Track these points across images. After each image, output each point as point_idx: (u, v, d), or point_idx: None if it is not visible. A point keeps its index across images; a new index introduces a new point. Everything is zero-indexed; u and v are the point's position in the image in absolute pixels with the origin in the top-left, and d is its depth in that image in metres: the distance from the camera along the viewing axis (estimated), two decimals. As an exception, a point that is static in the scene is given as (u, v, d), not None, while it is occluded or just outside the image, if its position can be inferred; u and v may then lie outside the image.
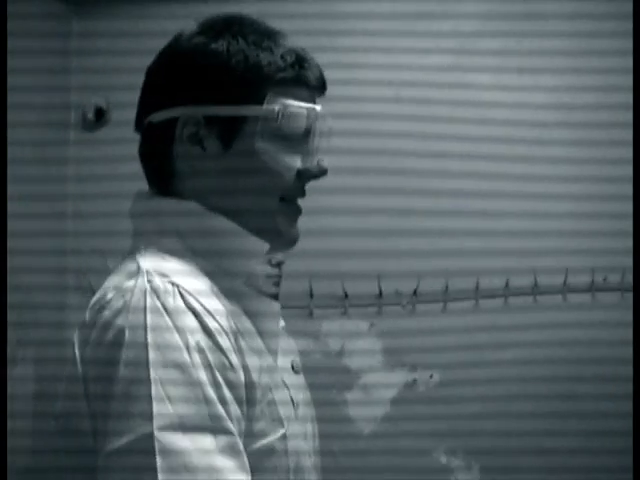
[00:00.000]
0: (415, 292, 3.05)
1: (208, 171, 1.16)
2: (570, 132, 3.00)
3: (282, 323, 2.50)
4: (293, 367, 2.45)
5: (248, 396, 1.09)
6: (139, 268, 1.09)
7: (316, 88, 1.22)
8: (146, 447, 0.96)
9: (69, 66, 2.99)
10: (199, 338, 1.02)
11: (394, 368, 3.08)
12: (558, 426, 2.94)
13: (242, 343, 1.10)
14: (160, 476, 0.94)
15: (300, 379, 2.50)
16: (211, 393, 1.01)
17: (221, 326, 1.06)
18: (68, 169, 2.93)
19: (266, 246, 1.21)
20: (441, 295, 3.04)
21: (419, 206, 2.97)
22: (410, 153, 3.00)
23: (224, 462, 0.99)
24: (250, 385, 1.10)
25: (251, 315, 1.19)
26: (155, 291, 1.04)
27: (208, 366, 1.02)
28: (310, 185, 2.96)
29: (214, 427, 0.99)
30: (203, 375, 1.01)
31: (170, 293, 1.04)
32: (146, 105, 1.23)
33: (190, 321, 1.03)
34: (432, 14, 3.05)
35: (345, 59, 3.02)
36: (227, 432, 1.01)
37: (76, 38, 3.02)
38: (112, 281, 1.11)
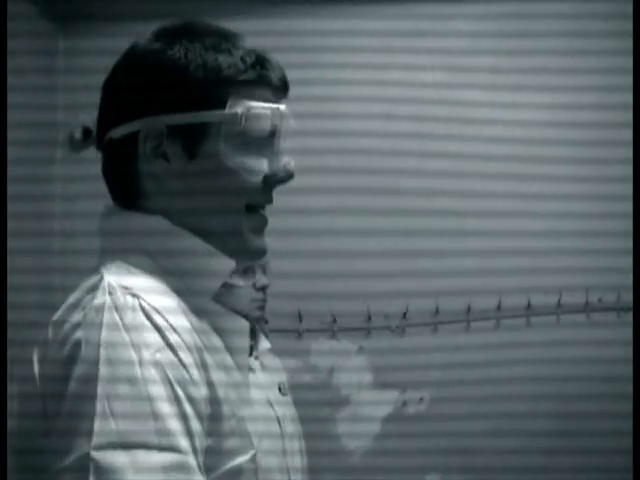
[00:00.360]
0: (405, 315, 3.06)
1: (174, 184, 1.13)
2: (567, 150, 3.01)
3: (267, 344, 2.48)
4: (280, 389, 2.44)
5: (214, 412, 1.04)
6: (101, 282, 1.06)
7: (279, 88, 1.19)
8: (84, 466, 0.93)
9: (56, 84, 2.98)
10: (158, 353, 0.99)
11: (383, 389, 3.07)
12: (552, 443, 2.92)
13: (208, 359, 1.06)
14: None
15: (287, 399, 2.45)
16: (162, 409, 0.97)
17: (183, 341, 1.02)
18: (55, 187, 2.93)
19: (231, 263, 1.17)
20: (430, 317, 3.04)
21: (409, 226, 2.98)
22: (401, 171, 3.02)
23: (167, 478, 0.95)
24: (215, 401, 1.05)
25: (219, 332, 1.14)
26: (115, 305, 1.01)
27: (165, 381, 0.98)
28: (302, 206, 2.87)
29: (160, 444, 0.96)
30: (156, 390, 0.97)
31: (130, 307, 1.01)
32: (105, 121, 1.18)
33: (149, 336, 1.00)
34: (423, 31, 3.07)
35: (331, 75, 3.05)
36: (175, 449, 0.97)
37: (63, 56, 3.01)
38: (74, 296, 1.08)
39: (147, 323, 1.00)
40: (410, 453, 2.94)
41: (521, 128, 3.04)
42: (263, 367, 2.42)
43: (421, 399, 3.05)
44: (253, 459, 1.11)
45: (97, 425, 0.94)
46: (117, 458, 0.93)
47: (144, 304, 1.02)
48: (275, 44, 2.96)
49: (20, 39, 2.70)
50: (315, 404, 2.91)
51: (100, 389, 0.95)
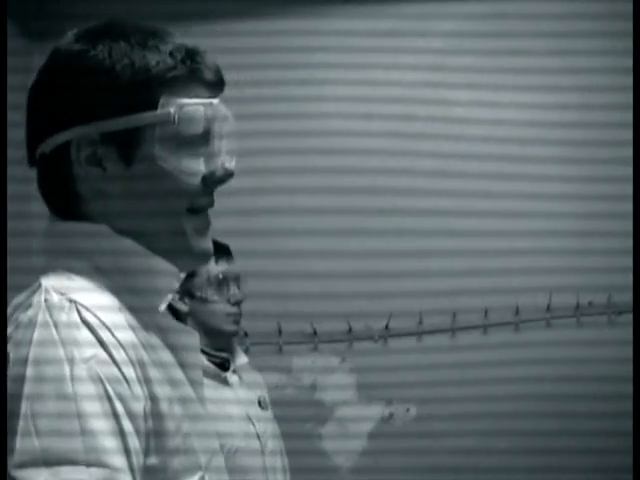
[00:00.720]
0: (387, 326, 3.02)
1: (112, 192, 1.06)
2: (555, 149, 2.99)
3: (245, 359, 2.43)
4: (260, 403, 2.39)
5: (157, 428, 0.99)
6: (39, 286, 1.02)
7: (214, 84, 1.11)
8: None
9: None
10: (93, 367, 0.94)
11: (369, 402, 3.04)
12: (540, 462, 2.88)
13: (151, 373, 1.01)
14: None
15: (267, 414, 2.40)
16: (91, 425, 0.92)
17: (121, 346, 0.98)
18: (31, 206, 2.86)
19: (174, 270, 1.11)
20: (415, 327, 3.01)
21: (392, 226, 2.98)
22: (382, 171, 3.00)
23: None
24: (158, 416, 1.00)
25: (167, 345, 1.10)
26: (49, 307, 0.97)
27: (101, 396, 0.93)
28: (280, 225, 2.83)
29: (88, 460, 0.90)
30: (86, 406, 0.92)
31: (65, 309, 0.97)
32: (34, 135, 1.12)
33: (86, 351, 0.94)
34: (408, 31, 3.05)
35: (318, 75, 3.04)
36: (104, 465, 0.91)
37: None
38: (14, 300, 1.05)
39: (84, 334, 0.96)
40: (396, 469, 2.91)
41: (510, 127, 3.00)
42: (242, 382, 2.41)
43: (407, 410, 3.02)
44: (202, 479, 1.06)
45: (19, 443, 0.90)
46: (38, 476, 0.89)
47: (79, 307, 0.98)
48: (263, 44, 3.00)
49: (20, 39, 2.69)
50: (298, 420, 2.89)
51: (24, 406, 0.91)
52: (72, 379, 0.92)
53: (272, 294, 2.90)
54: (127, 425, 0.94)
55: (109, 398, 0.94)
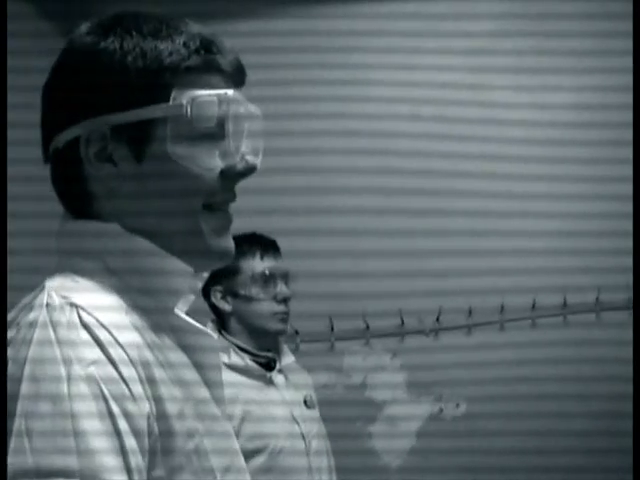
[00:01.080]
0: (438, 319, 3.01)
1: (123, 189, 1.03)
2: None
3: (292, 358, 2.37)
4: (306, 402, 2.32)
5: (162, 428, 0.96)
6: (41, 292, 0.99)
7: (231, 73, 1.06)
8: None
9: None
10: (91, 366, 0.91)
11: (418, 399, 3.02)
12: (589, 462, 2.82)
13: (156, 374, 0.97)
14: None
15: (313, 413, 2.33)
16: (84, 425, 0.88)
17: (126, 354, 0.94)
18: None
19: (188, 269, 1.07)
20: (464, 320, 3.00)
21: (439, 227, 2.97)
22: (430, 172, 2.99)
23: None
24: (163, 416, 0.96)
25: (184, 348, 1.06)
26: (49, 308, 0.95)
27: (99, 397, 0.90)
28: (340, 226, 2.85)
29: (82, 468, 0.87)
30: (80, 407, 0.89)
31: (65, 313, 0.94)
32: (48, 131, 1.07)
33: (85, 354, 0.92)
34: (444, 31, 3.04)
35: (360, 76, 3.03)
36: (99, 473, 0.88)
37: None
38: (11, 314, 1.01)
39: (83, 336, 0.93)
40: (444, 468, 2.90)
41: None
42: (288, 382, 2.35)
43: (457, 406, 3.00)
44: None
45: (12, 447, 0.87)
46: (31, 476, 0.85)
47: (81, 312, 0.95)
48: (301, 44, 2.98)
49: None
50: (347, 419, 2.87)
51: (20, 407, 0.88)
52: (69, 381, 0.89)
53: (324, 293, 2.85)
54: (124, 425, 0.91)
55: (105, 399, 0.90)
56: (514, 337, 3.00)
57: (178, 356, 1.05)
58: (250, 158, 1.06)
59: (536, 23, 3.04)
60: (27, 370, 0.90)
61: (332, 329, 3.05)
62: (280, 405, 2.28)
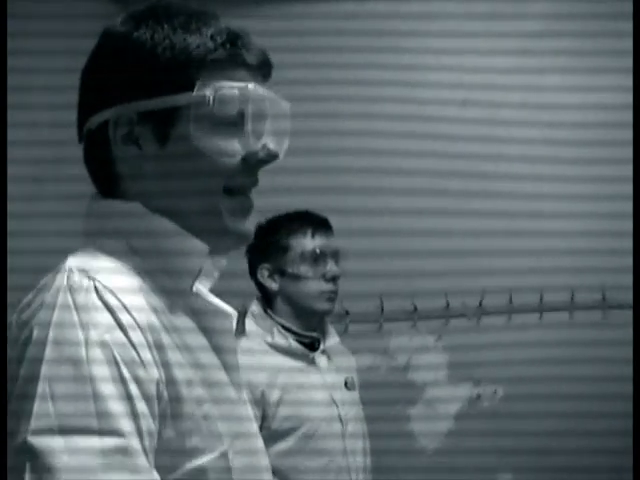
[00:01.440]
0: (480, 303, 3.02)
1: (147, 171, 1.09)
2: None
3: (336, 339, 2.37)
4: (347, 384, 2.31)
5: (172, 394, 1.01)
6: (64, 266, 1.04)
7: (256, 67, 1.11)
8: (22, 451, 0.92)
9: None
10: (107, 333, 0.96)
11: (458, 382, 3.03)
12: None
13: (170, 356, 1.02)
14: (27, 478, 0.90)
15: (353, 395, 2.34)
16: (104, 390, 0.94)
17: (136, 321, 0.99)
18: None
19: (205, 247, 1.12)
20: (505, 306, 3.01)
21: (485, 227, 2.94)
22: (472, 157, 3.01)
23: (106, 461, 0.92)
24: (172, 382, 1.01)
25: (203, 329, 1.12)
26: (70, 287, 0.99)
27: (111, 362, 0.95)
28: (388, 207, 2.88)
29: (101, 427, 0.92)
30: (99, 371, 0.94)
31: (84, 289, 0.99)
32: (82, 113, 1.14)
33: (101, 317, 0.97)
34: (497, 14, 3.02)
35: (406, 60, 3.03)
36: (116, 433, 0.93)
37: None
38: (41, 281, 1.06)
39: (100, 304, 0.98)
40: (482, 452, 2.89)
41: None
42: (330, 363, 2.32)
43: (495, 392, 3.00)
44: (224, 457, 1.07)
45: (36, 408, 0.92)
46: (54, 443, 0.91)
47: (99, 286, 0.99)
48: (359, 26, 3.05)
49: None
50: (387, 402, 2.84)
51: (43, 370, 0.93)
52: (87, 360, 0.94)
53: (373, 272, 2.85)
54: (135, 390, 0.95)
55: (122, 380, 0.95)
56: (551, 319, 3.02)
57: (196, 338, 1.10)
58: (272, 146, 1.11)
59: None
60: (51, 334, 0.95)
61: (382, 310, 3.04)
62: (320, 388, 2.26)
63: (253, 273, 2.30)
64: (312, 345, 2.29)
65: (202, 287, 1.17)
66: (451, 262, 2.96)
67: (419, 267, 2.94)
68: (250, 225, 1.14)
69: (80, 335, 0.95)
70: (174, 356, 1.02)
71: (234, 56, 1.09)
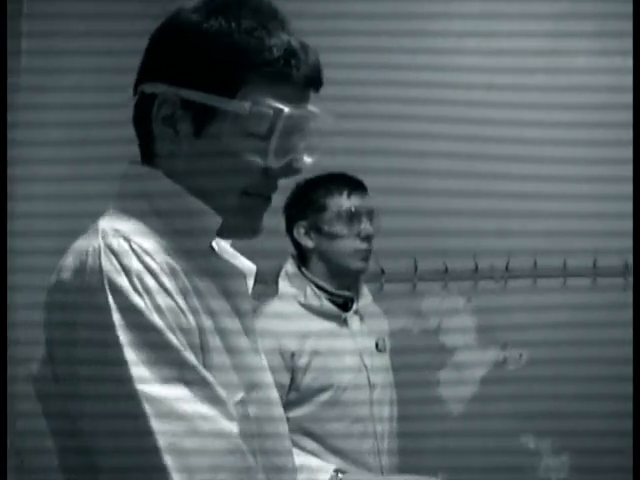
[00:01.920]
0: (507, 267, 3.04)
1: (179, 156, 1.15)
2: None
3: (369, 299, 2.42)
4: (377, 345, 2.36)
5: (205, 360, 1.09)
6: (97, 228, 1.10)
7: (304, 86, 1.15)
8: (132, 395, 0.99)
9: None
10: (160, 298, 1.04)
11: (486, 346, 3.06)
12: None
13: (196, 303, 1.10)
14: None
15: (384, 360, 2.39)
16: (174, 340, 1.03)
17: (175, 283, 1.07)
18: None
19: (218, 222, 1.18)
20: (530, 271, 3.04)
21: (510, 189, 2.97)
22: (503, 140, 3.01)
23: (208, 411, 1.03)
24: (202, 332, 1.10)
25: (218, 280, 1.18)
26: (109, 249, 1.05)
27: (168, 328, 1.04)
28: (415, 168, 2.94)
29: (192, 378, 1.03)
30: (158, 321, 1.03)
31: (123, 250, 1.05)
32: (141, 72, 1.19)
33: (148, 280, 1.04)
34: None
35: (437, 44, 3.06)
36: (203, 382, 1.04)
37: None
38: (74, 244, 1.11)
39: (141, 266, 1.04)
40: (504, 414, 2.93)
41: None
42: (363, 324, 2.35)
43: (520, 356, 3.03)
44: (243, 404, 1.13)
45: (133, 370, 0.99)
46: (164, 391, 1.00)
47: (135, 246, 1.05)
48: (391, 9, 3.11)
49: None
50: (417, 367, 2.84)
51: (122, 337, 1.00)
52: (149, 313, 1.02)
53: (407, 231, 2.87)
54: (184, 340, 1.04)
55: (170, 322, 1.03)
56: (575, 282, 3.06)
57: (216, 302, 1.15)
58: (296, 164, 1.17)
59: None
60: (111, 300, 1.01)
61: (415, 269, 3.07)
62: (351, 351, 2.28)
63: (290, 230, 2.35)
64: (345, 306, 2.32)
65: (223, 245, 1.24)
66: (479, 223, 3.00)
67: (450, 226, 3.00)
68: (259, 223, 1.20)
69: (138, 300, 1.02)
70: (200, 320, 1.09)
71: (281, 73, 1.12)
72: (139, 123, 1.20)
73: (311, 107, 1.18)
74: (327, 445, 2.20)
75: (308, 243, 2.31)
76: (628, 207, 2.60)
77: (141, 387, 0.99)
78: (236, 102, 1.11)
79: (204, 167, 1.14)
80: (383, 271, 3.00)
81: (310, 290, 2.29)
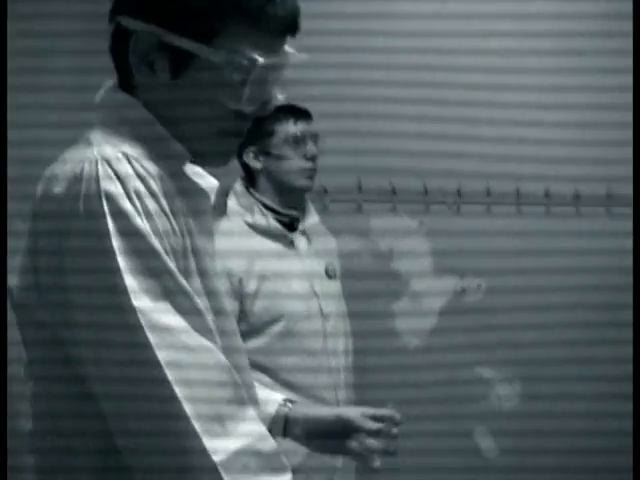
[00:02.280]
0: (459, 192, 2.97)
1: (155, 92, 1.15)
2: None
3: (316, 219, 2.40)
4: (327, 271, 2.35)
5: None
6: (89, 141, 1.12)
7: (281, 32, 1.16)
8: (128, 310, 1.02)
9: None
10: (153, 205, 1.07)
11: (442, 274, 2.99)
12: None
13: (182, 224, 1.13)
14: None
15: (335, 286, 2.35)
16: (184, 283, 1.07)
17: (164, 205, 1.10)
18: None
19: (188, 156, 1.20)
20: (483, 197, 2.98)
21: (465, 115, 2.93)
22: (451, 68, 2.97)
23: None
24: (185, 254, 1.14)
25: (193, 212, 1.19)
26: (104, 159, 1.06)
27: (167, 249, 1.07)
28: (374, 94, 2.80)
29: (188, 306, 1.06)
30: (157, 245, 1.06)
31: (120, 160, 1.07)
32: (120, 2, 1.18)
33: (148, 202, 1.07)
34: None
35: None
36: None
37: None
38: (63, 155, 1.13)
39: (142, 188, 1.07)
40: (463, 347, 2.89)
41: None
42: (310, 245, 2.39)
43: (478, 287, 2.98)
44: None
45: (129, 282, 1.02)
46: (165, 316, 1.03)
47: (131, 160, 1.08)
48: None
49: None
50: (370, 295, 2.83)
51: (116, 245, 1.02)
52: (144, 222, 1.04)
53: (351, 150, 2.89)
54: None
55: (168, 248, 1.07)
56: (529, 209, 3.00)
57: (192, 224, 1.17)
58: (269, 105, 1.18)
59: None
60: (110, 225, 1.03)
61: (360, 188, 3.01)
62: (300, 276, 2.30)
63: (239, 155, 2.38)
64: (292, 226, 2.35)
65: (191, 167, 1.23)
66: (429, 144, 2.92)
67: (396, 147, 2.94)
68: (230, 156, 1.24)
69: (138, 221, 1.04)
70: (184, 242, 1.13)
71: (260, 22, 1.12)
72: (116, 53, 1.19)
73: (287, 48, 1.19)
74: (281, 380, 2.23)
75: (257, 165, 2.38)
76: (573, 135, 2.69)
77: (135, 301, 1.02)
78: (212, 50, 1.11)
79: (179, 111, 1.15)
80: (326, 190, 2.94)
81: (257, 209, 2.36)
